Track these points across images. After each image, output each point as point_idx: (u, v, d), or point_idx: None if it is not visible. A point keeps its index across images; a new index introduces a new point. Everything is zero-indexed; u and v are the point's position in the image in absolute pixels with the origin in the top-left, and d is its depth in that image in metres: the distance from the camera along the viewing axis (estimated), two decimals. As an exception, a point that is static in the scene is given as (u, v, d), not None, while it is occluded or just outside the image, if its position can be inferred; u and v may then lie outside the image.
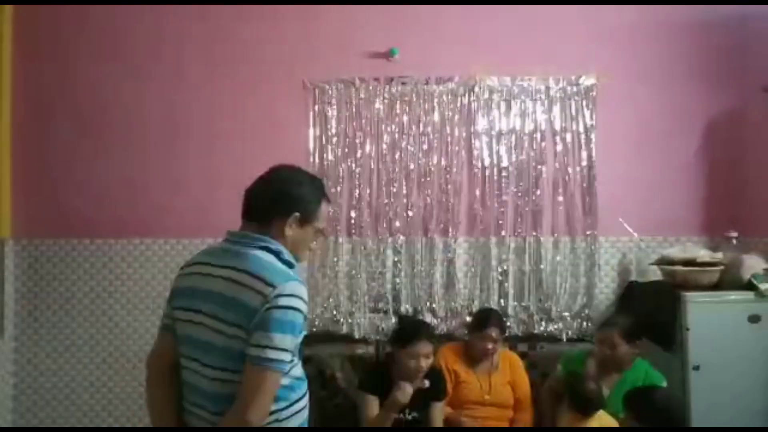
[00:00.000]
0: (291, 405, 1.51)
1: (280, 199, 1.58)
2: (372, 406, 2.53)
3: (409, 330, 2.62)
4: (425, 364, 2.52)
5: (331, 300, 3.25)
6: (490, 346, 2.74)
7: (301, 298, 1.46)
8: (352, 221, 3.26)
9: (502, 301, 3.26)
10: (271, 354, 1.40)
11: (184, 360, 1.55)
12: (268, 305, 1.41)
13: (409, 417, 2.55)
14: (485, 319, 2.80)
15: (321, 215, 1.65)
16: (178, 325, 1.57)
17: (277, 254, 1.53)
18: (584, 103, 3.29)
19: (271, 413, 1.45)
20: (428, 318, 3.24)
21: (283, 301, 1.42)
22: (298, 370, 1.56)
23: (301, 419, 1.54)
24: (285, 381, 1.48)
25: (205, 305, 1.49)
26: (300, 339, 1.50)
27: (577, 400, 2.37)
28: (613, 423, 2.38)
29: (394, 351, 2.60)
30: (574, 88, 3.29)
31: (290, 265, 1.56)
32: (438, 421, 2.61)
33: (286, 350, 1.42)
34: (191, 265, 1.61)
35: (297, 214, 1.57)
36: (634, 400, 2.22)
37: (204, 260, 1.57)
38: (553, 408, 2.77)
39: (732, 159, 3.30)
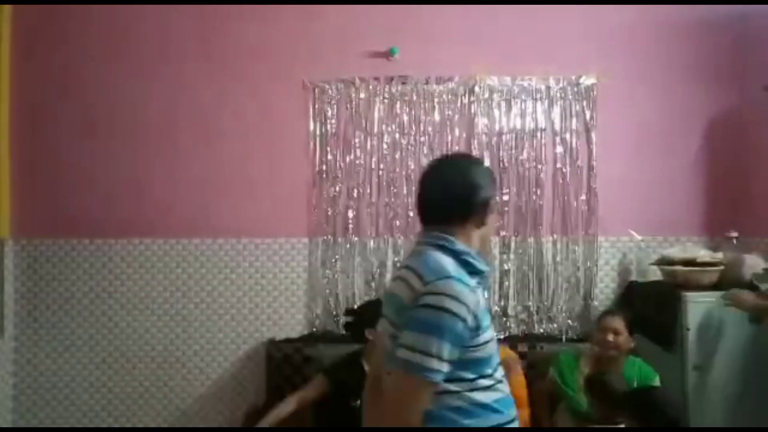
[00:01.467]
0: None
1: (460, 197, 1.42)
2: (318, 384, 2.62)
3: (369, 309, 2.60)
4: None
5: (331, 300, 3.25)
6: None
7: (455, 298, 1.27)
8: (352, 221, 3.26)
9: (502, 301, 3.26)
10: (411, 356, 1.24)
11: None
12: (415, 303, 1.29)
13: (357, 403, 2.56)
14: None
15: (496, 202, 1.51)
16: None
17: (456, 255, 1.38)
18: (584, 103, 3.29)
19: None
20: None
21: (429, 300, 1.27)
22: (484, 396, 1.34)
23: None
24: (457, 402, 1.32)
25: (386, 308, 1.46)
26: (465, 349, 1.30)
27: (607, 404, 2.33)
28: None
29: (366, 338, 2.60)
30: (574, 88, 3.29)
31: (474, 270, 1.39)
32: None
33: (431, 355, 1.24)
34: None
35: (481, 208, 1.43)
36: (634, 400, 2.23)
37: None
38: (549, 411, 2.77)
39: (732, 159, 3.29)
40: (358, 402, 2.55)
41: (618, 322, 2.64)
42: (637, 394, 2.29)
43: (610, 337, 2.61)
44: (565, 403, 2.71)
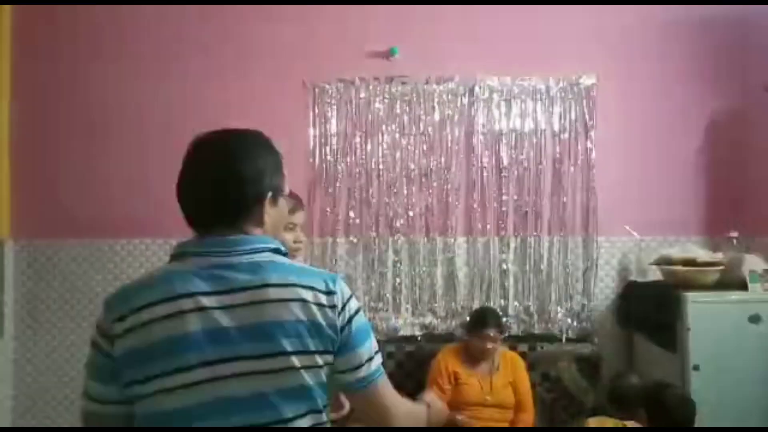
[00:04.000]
0: None
1: (256, 180, 1.20)
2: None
3: None
4: None
5: (331, 300, 3.25)
6: (489, 346, 2.73)
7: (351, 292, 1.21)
8: (352, 221, 3.26)
9: (502, 301, 3.26)
10: (372, 366, 1.17)
11: None
12: (345, 316, 1.14)
13: None
14: (483, 318, 2.80)
15: (285, 178, 1.30)
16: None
17: (284, 254, 1.21)
18: (584, 103, 3.29)
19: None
20: (428, 318, 3.25)
21: (354, 304, 1.18)
22: None
23: None
24: None
25: (236, 348, 1.05)
26: None
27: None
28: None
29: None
30: (574, 88, 3.29)
31: None
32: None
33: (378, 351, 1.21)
34: (150, 306, 1.07)
35: (270, 192, 1.23)
36: (647, 399, 2.23)
37: (186, 291, 1.09)
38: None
39: (732, 159, 3.29)
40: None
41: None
42: (651, 393, 2.29)
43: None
44: None
